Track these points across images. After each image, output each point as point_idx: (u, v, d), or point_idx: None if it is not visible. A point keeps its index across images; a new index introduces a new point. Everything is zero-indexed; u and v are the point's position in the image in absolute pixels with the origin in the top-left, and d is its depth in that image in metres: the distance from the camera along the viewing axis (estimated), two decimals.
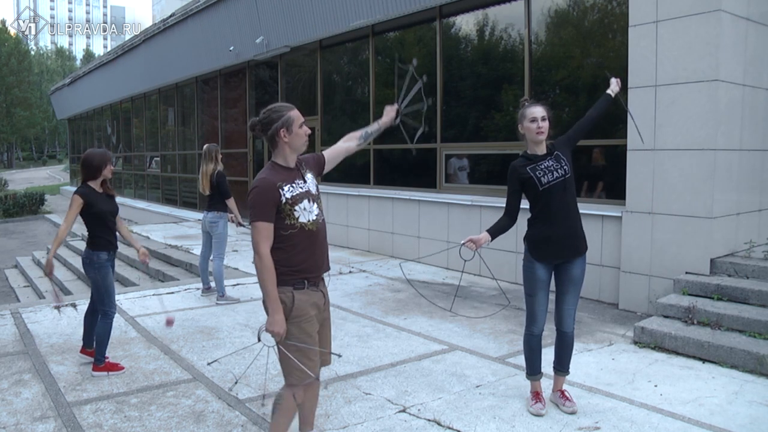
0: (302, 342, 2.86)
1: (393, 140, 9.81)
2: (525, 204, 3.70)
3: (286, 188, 2.85)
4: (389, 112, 3.36)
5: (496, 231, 3.68)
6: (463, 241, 3.62)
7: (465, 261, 3.71)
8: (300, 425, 3.18)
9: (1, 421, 3.72)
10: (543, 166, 3.60)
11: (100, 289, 4.51)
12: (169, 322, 5.07)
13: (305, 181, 2.95)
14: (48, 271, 4.40)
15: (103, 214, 4.50)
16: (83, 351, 4.75)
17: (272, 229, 2.81)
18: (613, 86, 4.06)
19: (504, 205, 3.74)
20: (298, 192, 2.87)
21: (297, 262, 2.86)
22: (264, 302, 2.92)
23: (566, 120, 7.18)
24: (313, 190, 2.98)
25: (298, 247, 2.85)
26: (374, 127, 3.34)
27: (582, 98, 7.16)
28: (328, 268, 3.07)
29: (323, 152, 3.22)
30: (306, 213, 2.87)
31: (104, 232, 4.51)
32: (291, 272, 2.85)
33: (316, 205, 2.95)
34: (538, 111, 3.60)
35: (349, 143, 3.31)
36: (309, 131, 2.97)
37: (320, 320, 2.99)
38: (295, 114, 2.92)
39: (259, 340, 2.88)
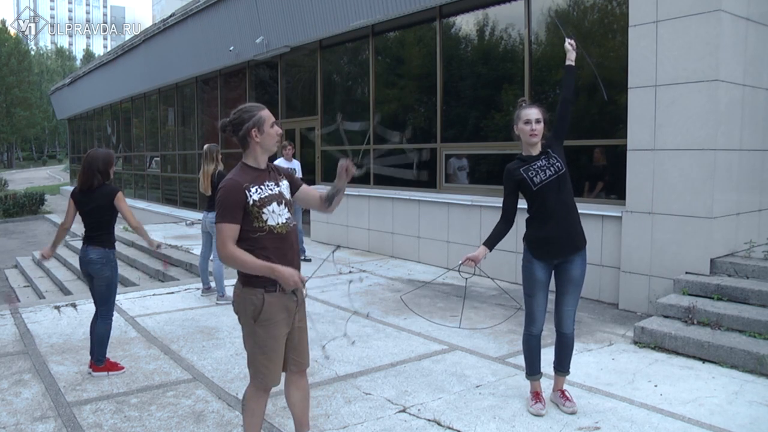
0: (267, 345, 2.85)
1: (393, 140, 9.82)
2: (522, 204, 3.70)
3: (253, 190, 2.81)
4: (341, 174, 2.92)
5: (493, 241, 3.69)
6: (460, 261, 3.63)
7: (466, 279, 3.75)
8: (295, 427, 3.18)
9: (1, 421, 3.72)
10: (536, 167, 3.61)
11: (111, 287, 4.51)
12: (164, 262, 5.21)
13: (277, 185, 2.92)
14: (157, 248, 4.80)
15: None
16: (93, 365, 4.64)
17: (237, 230, 2.78)
18: (570, 54, 3.79)
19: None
20: (267, 194, 2.84)
21: None
22: (234, 305, 2.93)
23: None
24: (287, 195, 2.95)
25: (268, 251, 2.80)
26: (332, 192, 3.04)
27: (582, 98, 7.15)
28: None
29: (304, 185, 3.12)
30: (275, 216, 2.83)
31: (113, 229, 4.58)
32: (263, 278, 2.81)
33: (287, 209, 2.91)
34: (532, 113, 3.60)
35: (323, 202, 3.09)
36: (281, 131, 2.95)
37: (290, 324, 2.93)
38: (266, 114, 2.89)
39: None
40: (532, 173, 3.60)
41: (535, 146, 3.66)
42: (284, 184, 2.98)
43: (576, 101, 3.68)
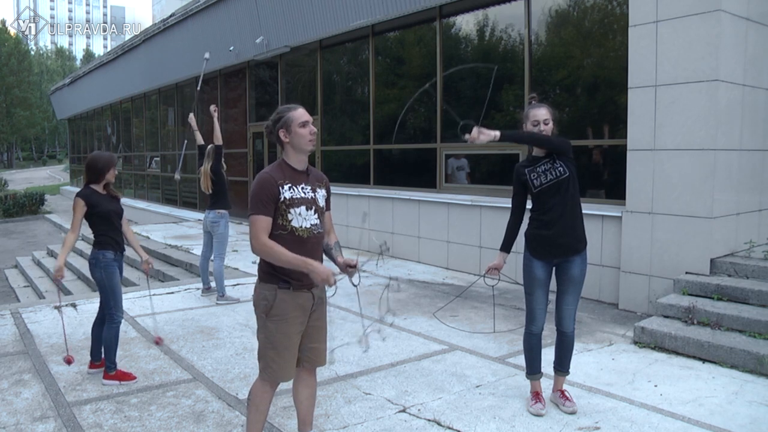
0: (278, 342, 2.86)
1: (393, 140, 9.83)
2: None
3: (286, 187, 2.83)
4: (340, 271, 2.98)
5: (508, 243, 3.83)
6: (484, 272, 3.85)
7: (492, 286, 3.92)
8: (299, 425, 3.19)
9: (1, 421, 3.72)
10: (540, 169, 3.65)
11: (106, 289, 4.40)
12: (159, 341, 5.03)
13: (313, 191, 2.93)
14: (57, 276, 4.29)
15: (108, 214, 4.42)
16: (92, 365, 4.57)
17: (270, 223, 2.79)
18: (482, 138, 3.32)
19: (506, 206, 3.82)
20: (299, 196, 2.85)
21: (281, 267, 2.82)
22: (253, 299, 2.93)
23: (566, 120, 7.19)
24: (320, 202, 2.95)
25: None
26: (330, 252, 3.07)
27: (582, 98, 7.16)
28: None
29: (329, 212, 3.07)
30: (300, 219, 2.84)
31: (110, 231, 4.43)
32: (276, 275, 2.84)
33: (317, 216, 2.90)
34: (540, 114, 3.63)
35: (326, 241, 3.07)
36: (314, 130, 2.92)
37: (304, 322, 2.94)
38: (295, 114, 2.89)
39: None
40: (534, 176, 3.65)
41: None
42: (321, 193, 2.98)
43: (546, 139, 3.60)
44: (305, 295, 2.91)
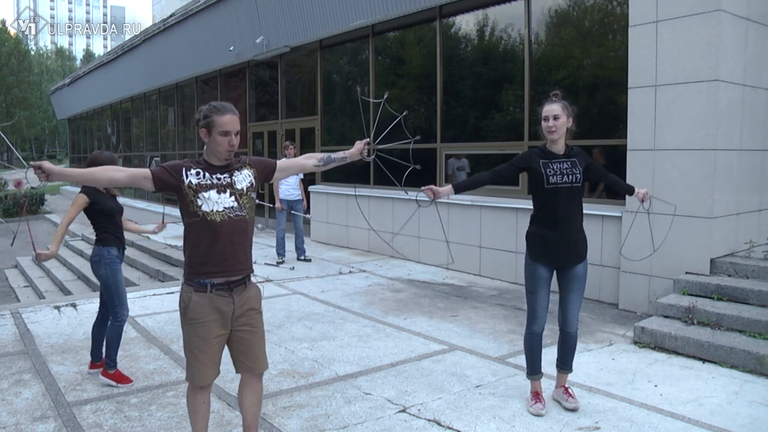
0: (192, 343, 2.80)
1: (393, 140, 9.82)
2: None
3: (193, 172, 2.77)
4: (357, 145, 3.12)
5: (464, 187, 3.69)
6: (423, 188, 3.62)
7: (420, 206, 3.72)
8: (244, 431, 3.12)
9: (1, 421, 3.72)
10: (556, 166, 3.56)
11: (110, 287, 4.39)
12: (18, 184, 4.62)
13: (231, 176, 2.82)
14: (43, 258, 4.09)
15: (111, 211, 4.46)
16: (93, 366, 4.56)
17: (146, 175, 2.73)
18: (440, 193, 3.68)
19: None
20: (208, 182, 2.77)
21: (197, 257, 2.76)
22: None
23: None
24: (239, 185, 2.82)
25: (198, 239, 2.75)
26: (339, 155, 3.15)
27: (582, 98, 7.15)
28: (251, 270, 2.91)
29: (279, 161, 3.12)
30: (210, 203, 2.74)
31: (112, 228, 4.46)
32: (193, 272, 2.78)
33: (233, 198, 2.79)
34: (550, 110, 3.54)
35: (307, 161, 3.16)
36: (233, 143, 2.77)
37: (226, 326, 2.82)
38: (219, 120, 2.74)
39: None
40: (550, 171, 3.55)
41: (556, 143, 3.59)
42: (241, 175, 2.85)
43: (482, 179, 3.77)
44: (224, 300, 2.79)
